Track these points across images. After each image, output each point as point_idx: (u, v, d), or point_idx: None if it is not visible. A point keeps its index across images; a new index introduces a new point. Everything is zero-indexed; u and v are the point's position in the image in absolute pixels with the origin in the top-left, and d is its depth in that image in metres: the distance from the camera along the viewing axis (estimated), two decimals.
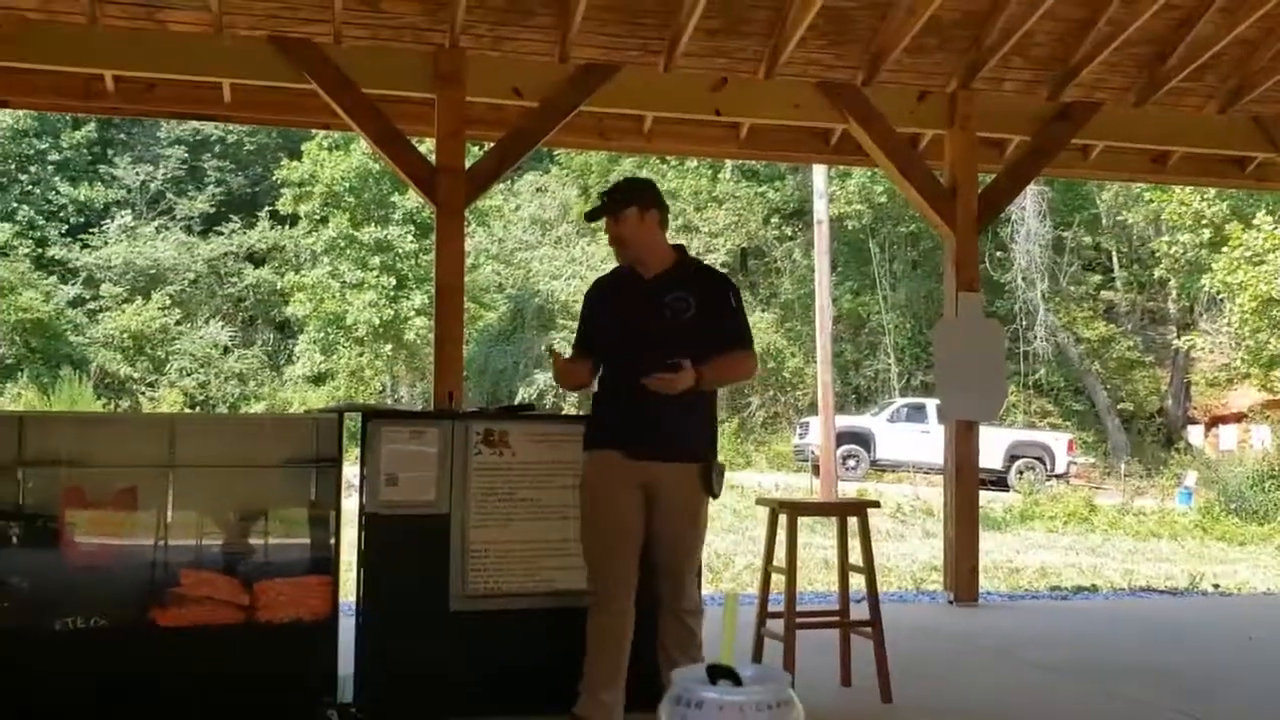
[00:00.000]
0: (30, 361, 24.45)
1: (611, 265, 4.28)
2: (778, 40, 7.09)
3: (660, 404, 3.75)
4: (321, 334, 25.60)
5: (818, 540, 12.19)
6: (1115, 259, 29.98)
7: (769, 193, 28.18)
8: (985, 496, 13.71)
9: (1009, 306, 26.81)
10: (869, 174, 25.04)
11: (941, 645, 6.03)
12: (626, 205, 3.96)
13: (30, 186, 28.19)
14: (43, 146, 28.54)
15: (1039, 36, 7.42)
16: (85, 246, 27.18)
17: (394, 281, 25.35)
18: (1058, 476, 22.20)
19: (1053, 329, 27.12)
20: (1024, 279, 26.97)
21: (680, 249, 4.08)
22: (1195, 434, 26.11)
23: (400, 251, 25.58)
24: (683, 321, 3.88)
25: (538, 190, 29.71)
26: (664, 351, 3.76)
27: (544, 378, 25.51)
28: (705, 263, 4.28)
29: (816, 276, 20.45)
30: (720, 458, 4.03)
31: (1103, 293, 29.82)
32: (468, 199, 6.82)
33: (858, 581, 4.95)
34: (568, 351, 4.19)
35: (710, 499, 3.93)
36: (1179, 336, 27.38)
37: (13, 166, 28.28)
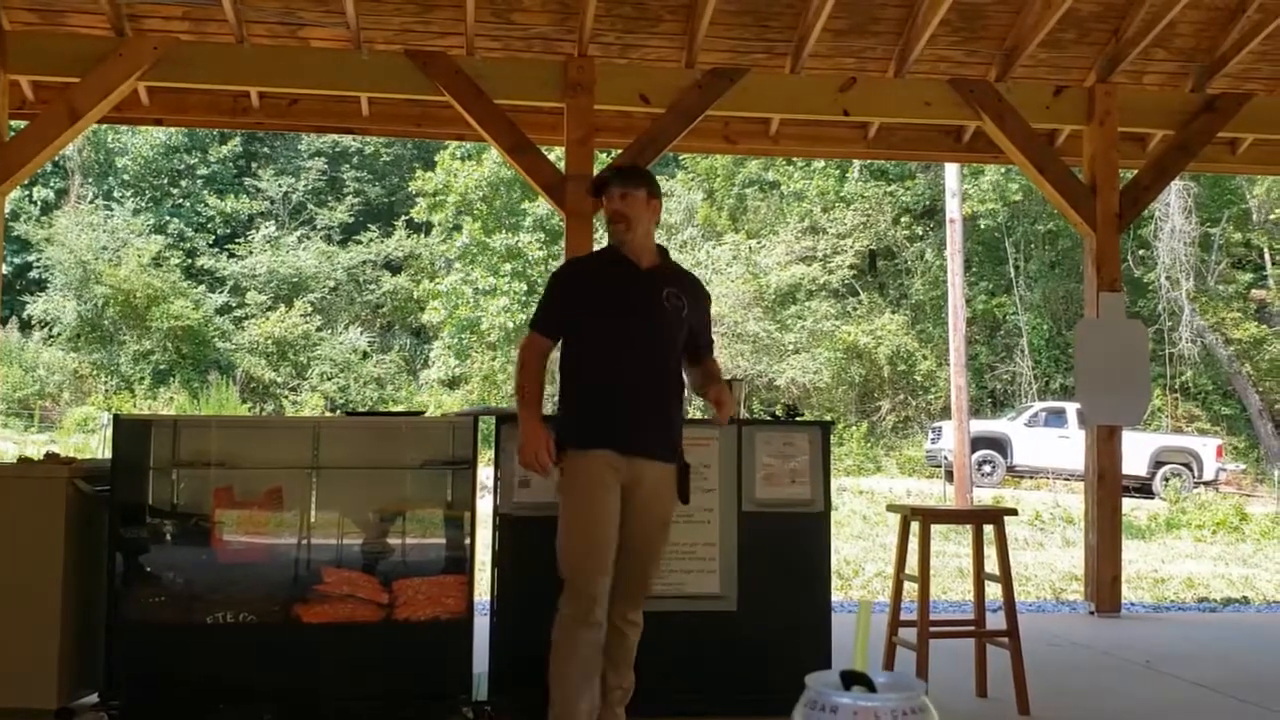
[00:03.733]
0: (181, 367, 25.58)
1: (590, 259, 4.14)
2: (908, 38, 6.99)
3: (657, 399, 3.66)
4: (456, 339, 26.15)
5: (951, 549, 11.96)
6: (1267, 256, 28.62)
7: (899, 192, 27.74)
8: (1128, 504, 13.27)
9: (1152, 306, 25.86)
10: (1003, 171, 24.47)
11: (1082, 657, 5.85)
12: (639, 185, 3.81)
13: (181, 200, 29.55)
14: (192, 161, 29.89)
15: (1182, 27, 7.16)
16: (231, 256, 28.32)
17: (525, 287, 25.75)
18: (1206, 483, 21.33)
19: (1200, 330, 26.04)
20: (1168, 278, 25.98)
21: (663, 249, 3.90)
22: None
23: (530, 258, 25.97)
24: (680, 319, 3.74)
25: (664, 195, 29.83)
26: (664, 347, 3.68)
27: None
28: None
29: (949, 277, 20.03)
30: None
31: (1253, 292, 28.49)
32: (596, 206, 6.89)
33: (994, 591, 4.84)
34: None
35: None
36: None
37: (165, 181, 29.68)
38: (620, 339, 3.65)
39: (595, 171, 6.92)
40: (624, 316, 3.68)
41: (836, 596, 5.51)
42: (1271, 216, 26.49)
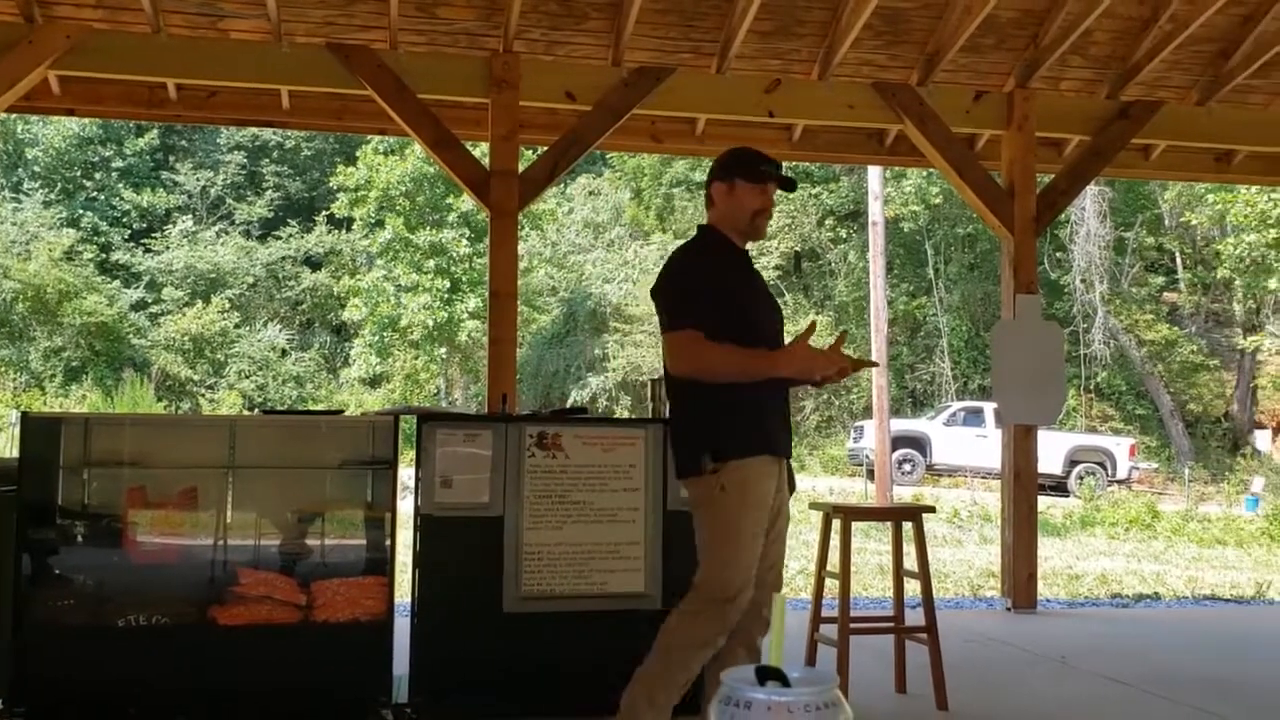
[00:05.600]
0: (94, 364, 24.98)
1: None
2: (832, 41, 7.06)
3: (786, 397, 3.55)
4: (377, 337, 25.89)
5: (873, 546, 12.11)
6: (1179, 260, 29.47)
7: (823, 194, 28.06)
8: (1044, 502, 13.55)
9: (1068, 309, 26.47)
10: (925, 175, 24.85)
11: (998, 652, 5.95)
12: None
13: (95, 193, 28.86)
14: (107, 153, 29.21)
15: (1098, 35, 7.33)
16: (147, 251, 27.75)
17: (448, 285, 25.58)
18: (1119, 482, 21.88)
19: (1113, 331, 26.72)
20: (1083, 281, 26.61)
21: None
22: (1262, 439, 25.58)
23: (454, 255, 25.80)
24: None
25: (590, 193, 29.84)
26: (782, 342, 3.58)
27: (596, 381, 25.61)
28: None
29: (872, 278, 20.31)
30: None
31: (1165, 294, 29.33)
32: (521, 202, 6.86)
33: (913, 587, 4.90)
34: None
35: None
36: (1245, 339, 26.84)
37: (78, 173, 28.96)
38: (763, 337, 3.45)
39: (520, 169, 6.89)
40: (763, 313, 3.51)
41: None
42: (1182, 220, 27.25)
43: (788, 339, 3.55)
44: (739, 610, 3.30)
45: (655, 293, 3.50)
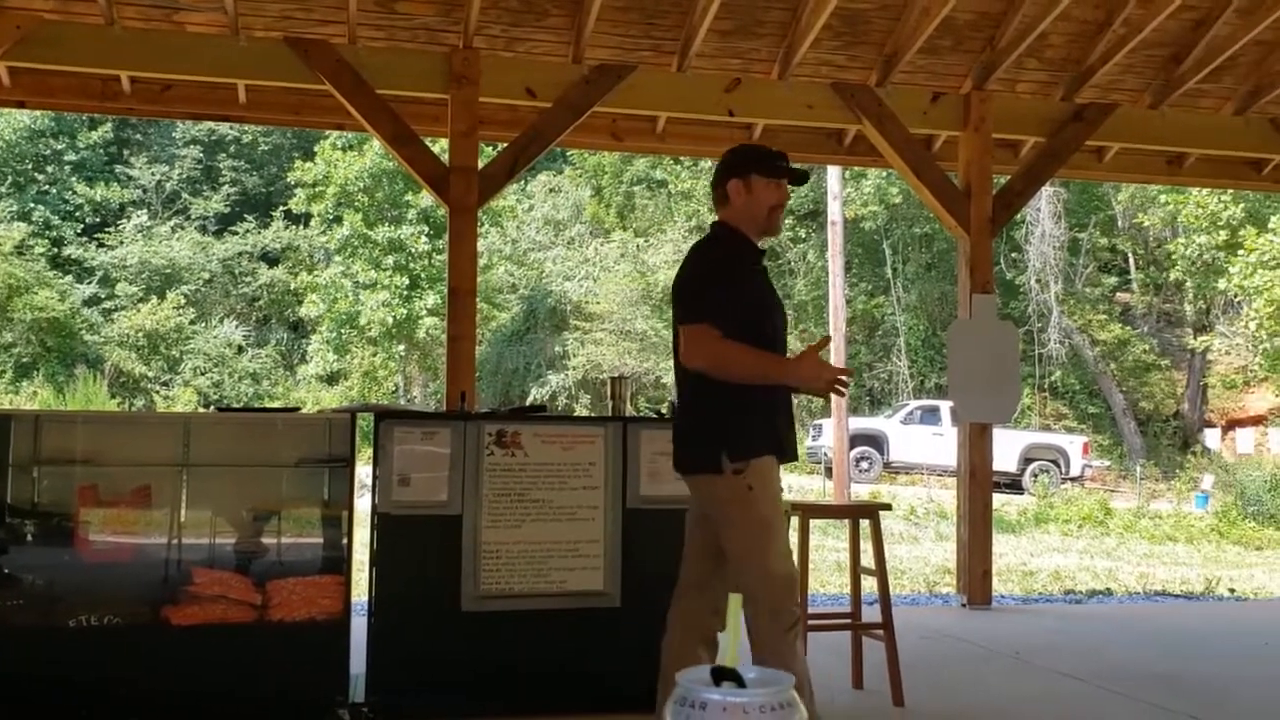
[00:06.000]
0: (46, 360, 24.60)
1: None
2: (791, 41, 7.09)
3: (790, 399, 3.52)
4: (335, 334, 25.69)
5: (830, 543, 12.18)
6: (1131, 261, 29.88)
7: None
8: (999, 499, 13.68)
9: (1023, 308, 26.75)
10: (883, 175, 25.02)
11: (954, 649, 6.01)
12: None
13: (47, 186, 28.39)
14: (59, 147, 28.75)
15: (1054, 38, 7.41)
16: (101, 246, 27.35)
17: (407, 281, 25.42)
18: (1073, 479, 22.14)
19: (1068, 331, 27.03)
20: (1038, 281, 26.90)
21: None
22: (1212, 437, 25.99)
23: (413, 251, 25.64)
24: None
25: (551, 191, 29.76)
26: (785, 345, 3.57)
27: (556, 379, 25.56)
28: None
29: (830, 278, 20.42)
30: None
31: (1118, 295, 29.72)
32: (481, 199, 6.83)
33: (870, 584, 4.94)
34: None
35: None
36: (1195, 339, 27.26)
37: (29, 166, 28.49)
38: (774, 338, 3.44)
39: (480, 165, 6.86)
40: (773, 315, 3.47)
41: None
42: (1135, 221, 27.61)
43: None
44: (797, 586, 3.41)
45: (674, 288, 3.51)
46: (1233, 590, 9.88)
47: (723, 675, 1.01)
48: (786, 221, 27.81)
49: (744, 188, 3.48)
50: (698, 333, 3.32)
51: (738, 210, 3.49)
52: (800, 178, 3.55)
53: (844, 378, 3.40)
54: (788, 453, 3.44)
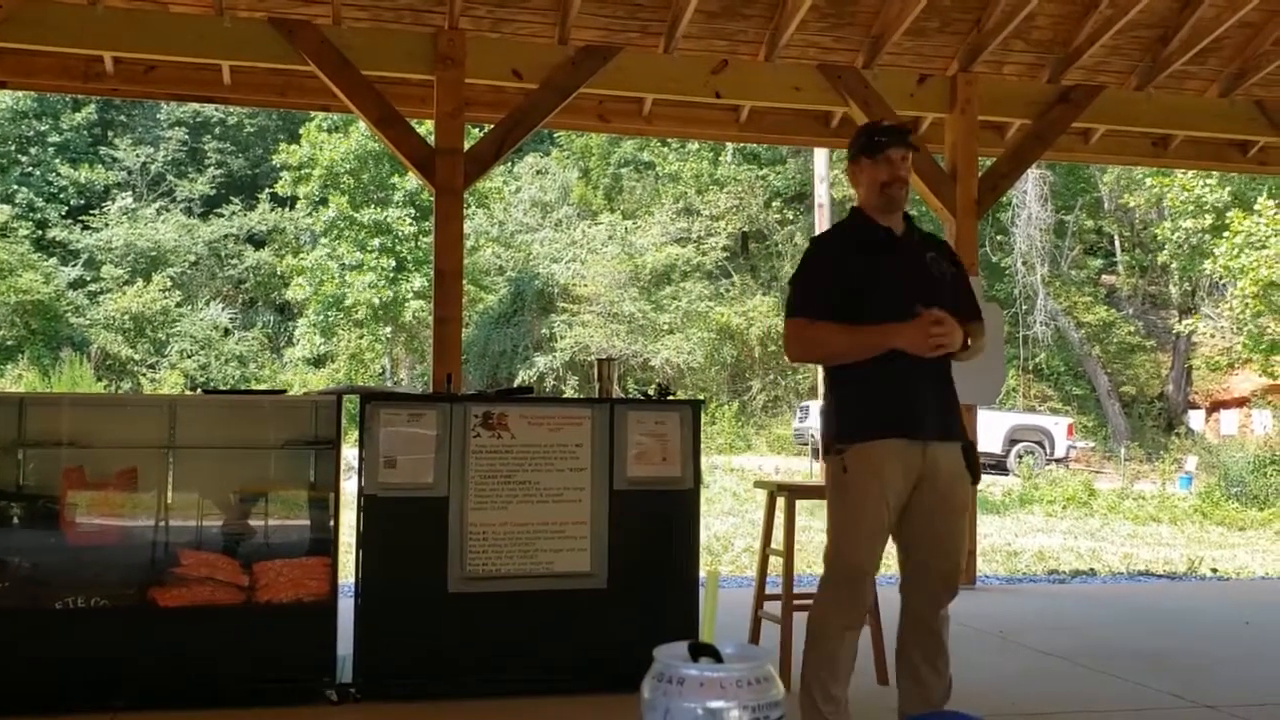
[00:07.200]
0: (31, 343, 24.47)
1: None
2: (778, 22, 7.08)
3: (934, 375, 3.41)
4: (321, 316, 25.61)
5: (817, 524, 12.22)
6: (1117, 243, 29.96)
7: (770, 176, 28.14)
8: (984, 480, 13.72)
9: (1009, 290, 26.82)
10: None
11: None
12: (914, 148, 3.55)
13: (30, 168, 28.19)
14: (43, 128, 28.53)
15: (1040, 19, 7.41)
16: (86, 228, 27.17)
17: (393, 264, 25.35)
18: (1057, 460, 22.25)
19: (1053, 313, 27.12)
20: (1024, 263, 26.97)
21: (907, 214, 3.61)
22: (1196, 419, 26.13)
23: (400, 234, 25.56)
24: (946, 285, 3.48)
25: (538, 172, 29.68)
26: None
27: (544, 361, 25.56)
28: None
29: None
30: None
31: (1104, 277, 29.82)
32: (467, 181, 6.81)
33: None
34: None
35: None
36: (1180, 321, 27.37)
37: (12, 148, 28.27)
38: (884, 312, 3.34)
39: (466, 147, 6.84)
40: (904, 290, 3.37)
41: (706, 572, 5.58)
42: (1120, 203, 27.68)
43: None
44: (869, 587, 3.47)
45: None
46: (1215, 570, 9.96)
47: (701, 651, 1.02)
48: (774, 204, 27.84)
49: (857, 172, 3.58)
50: (788, 328, 3.49)
51: (861, 194, 3.61)
52: (900, 135, 3.52)
53: (938, 328, 3.30)
54: (914, 433, 3.34)
